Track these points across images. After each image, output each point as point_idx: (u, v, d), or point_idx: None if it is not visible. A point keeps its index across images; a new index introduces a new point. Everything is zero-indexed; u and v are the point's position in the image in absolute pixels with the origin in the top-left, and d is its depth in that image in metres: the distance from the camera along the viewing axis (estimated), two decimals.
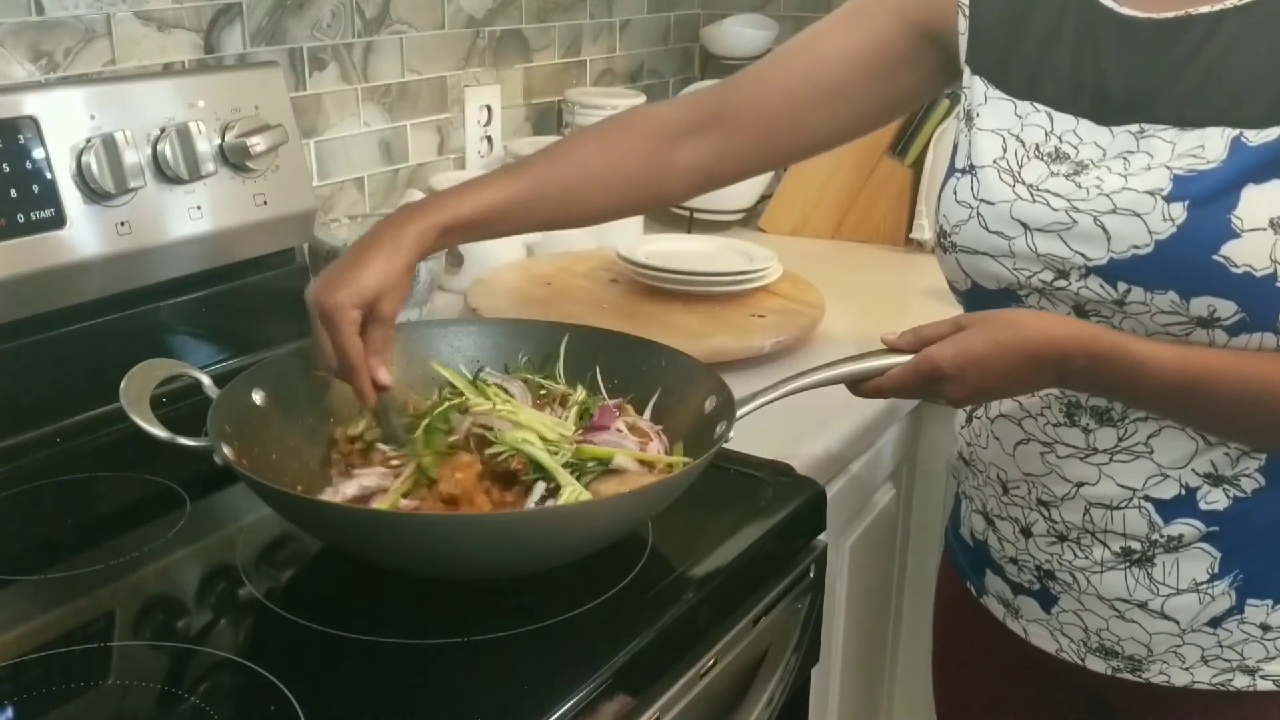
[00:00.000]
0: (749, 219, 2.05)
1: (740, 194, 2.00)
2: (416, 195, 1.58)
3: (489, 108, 1.83)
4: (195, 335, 1.33)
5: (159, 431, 0.95)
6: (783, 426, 1.16)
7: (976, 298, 1.01)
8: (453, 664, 0.86)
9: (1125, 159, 0.91)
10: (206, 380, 1.03)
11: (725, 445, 0.98)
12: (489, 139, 1.84)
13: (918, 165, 1.93)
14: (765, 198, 2.05)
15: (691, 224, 1.98)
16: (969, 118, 1.01)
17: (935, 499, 1.53)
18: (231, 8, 1.42)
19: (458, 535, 0.89)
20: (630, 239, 1.66)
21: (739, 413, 1.00)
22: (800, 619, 1.11)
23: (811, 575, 1.12)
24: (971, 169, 0.99)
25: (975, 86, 1.01)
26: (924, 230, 1.90)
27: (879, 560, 1.48)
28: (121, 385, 0.98)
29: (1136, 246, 0.88)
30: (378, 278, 0.97)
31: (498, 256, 1.66)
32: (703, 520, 1.05)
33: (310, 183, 1.48)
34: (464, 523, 0.92)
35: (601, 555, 0.95)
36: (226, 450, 0.92)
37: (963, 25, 1.03)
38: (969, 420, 1.09)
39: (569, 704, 0.81)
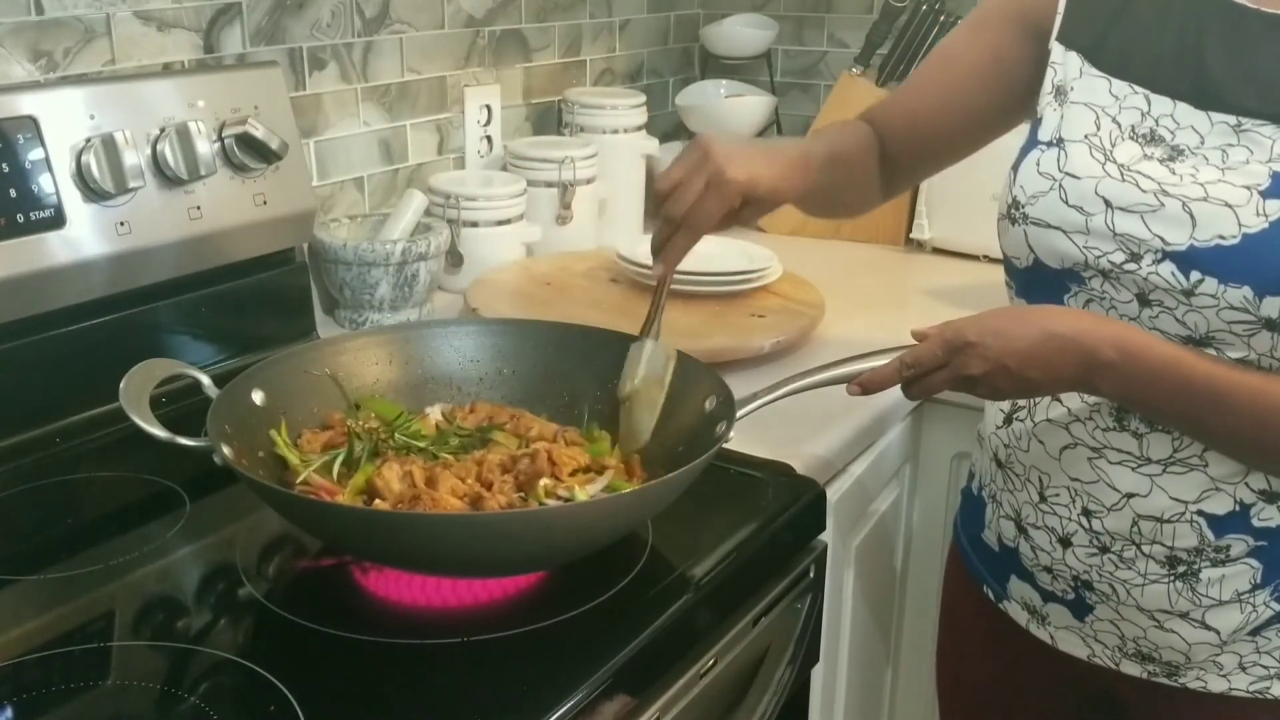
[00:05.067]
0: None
1: None
2: (417, 195, 1.58)
3: (489, 107, 1.83)
4: (195, 335, 1.33)
5: (159, 431, 0.95)
6: (783, 426, 1.16)
7: (1035, 277, 0.99)
8: (453, 664, 0.86)
9: (1224, 151, 0.91)
10: (206, 380, 1.03)
11: (725, 445, 0.98)
12: (489, 139, 1.84)
13: None
14: None
15: None
16: (1060, 92, 1.01)
17: (938, 499, 1.53)
18: (231, 7, 1.42)
19: (458, 535, 0.89)
20: (630, 239, 1.66)
21: (739, 413, 1.00)
22: (800, 619, 1.11)
23: (811, 575, 1.12)
24: (1060, 142, 0.98)
25: (1069, 62, 1.01)
26: (924, 230, 1.90)
27: (883, 560, 1.48)
28: (121, 385, 0.98)
29: (1222, 236, 0.88)
30: (776, 184, 1.04)
31: (498, 256, 1.66)
32: (703, 520, 1.05)
33: (310, 183, 1.48)
34: (464, 523, 0.91)
35: (601, 555, 0.95)
36: (226, 450, 0.92)
37: (1061, 5, 1.03)
38: (1008, 422, 1.07)
39: (569, 704, 0.81)
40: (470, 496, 0.96)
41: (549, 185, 1.74)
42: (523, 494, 0.97)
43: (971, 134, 1.18)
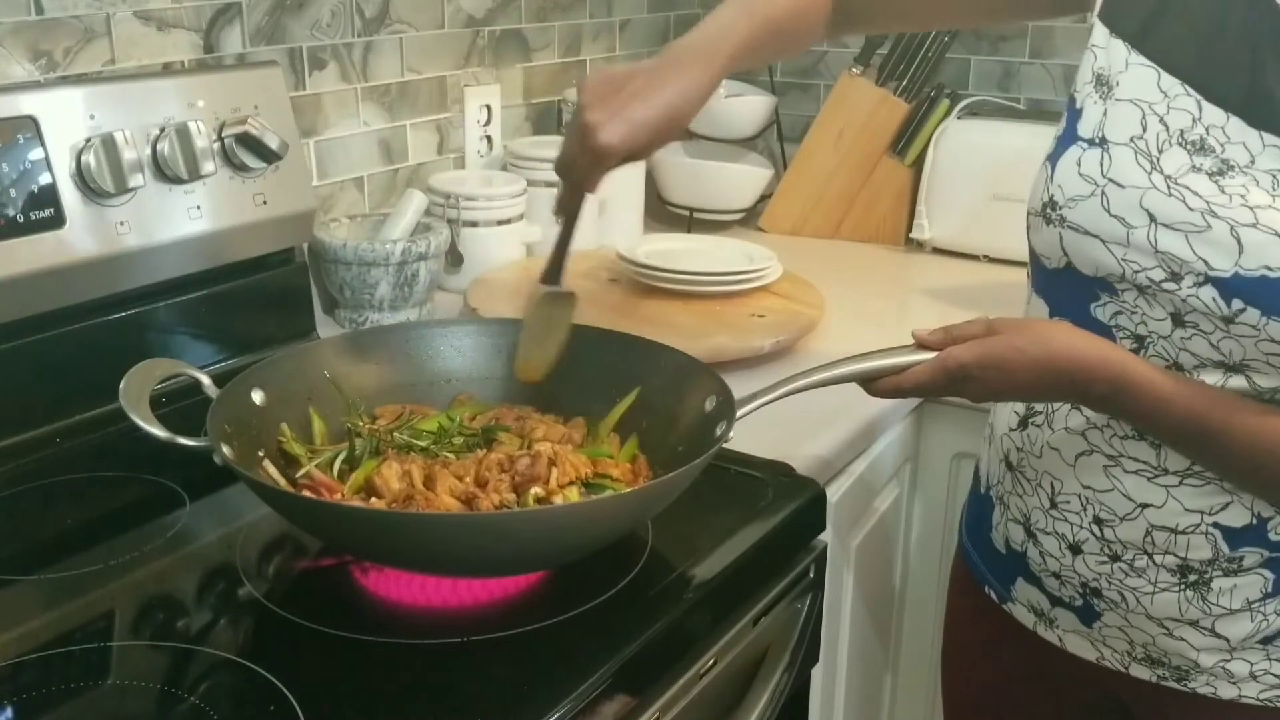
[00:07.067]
0: (749, 219, 2.04)
1: (740, 194, 2.00)
2: (417, 195, 1.58)
3: (488, 107, 1.83)
4: (195, 335, 1.33)
5: (159, 431, 0.95)
6: (783, 426, 1.16)
7: (1064, 280, 0.96)
8: (453, 664, 0.86)
9: (1274, 176, 0.87)
10: (206, 380, 1.03)
11: (725, 445, 0.98)
12: (489, 138, 1.84)
13: (918, 165, 1.93)
14: (765, 197, 2.05)
15: (691, 224, 1.98)
16: (1101, 82, 0.95)
17: (938, 499, 1.53)
18: (231, 7, 1.42)
19: (458, 535, 0.89)
20: (630, 239, 1.66)
21: (739, 413, 0.99)
22: (800, 619, 1.11)
23: (811, 575, 1.12)
24: (1103, 142, 0.93)
25: (1114, 49, 0.95)
26: (924, 230, 1.90)
27: (883, 560, 1.48)
28: (121, 385, 0.98)
29: (1269, 267, 0.84)
30: (658, 135, 0.99)
31: (498, 256, 1.66)
32: (703, 520, 1.05)
33: (310, 182, 1.47)
34: (464, 523, 0.91)
35: (601, 555, 0.95)
36: (226, 450, 0.92)
37: None
38: (1023, 425, 1.05)
39: (569, 704, 0.81)
40: (465, 495, 0.96)
41: (549, 185, 1.74)
42: (517, 494, 0.97)
43: (981, 15, 1.22)
